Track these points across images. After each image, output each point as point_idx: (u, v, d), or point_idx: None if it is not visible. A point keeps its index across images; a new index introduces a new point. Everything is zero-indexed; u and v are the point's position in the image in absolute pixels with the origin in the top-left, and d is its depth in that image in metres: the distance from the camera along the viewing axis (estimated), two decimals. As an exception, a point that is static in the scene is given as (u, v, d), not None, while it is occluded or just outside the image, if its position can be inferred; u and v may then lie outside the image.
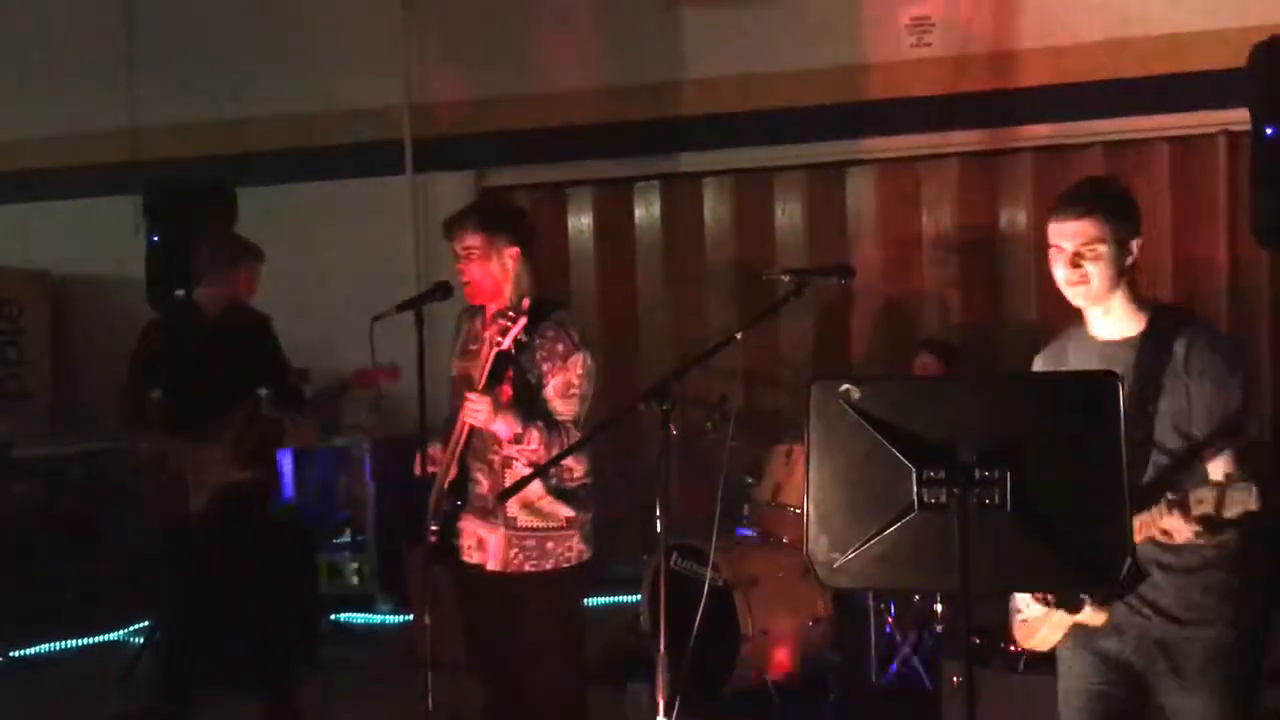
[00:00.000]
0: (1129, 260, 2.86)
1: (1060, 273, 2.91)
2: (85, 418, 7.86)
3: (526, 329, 3.51)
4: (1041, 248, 7.17)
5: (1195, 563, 2.78)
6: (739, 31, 6.99)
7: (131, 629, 6.40)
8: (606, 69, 7.22)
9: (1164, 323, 2.86)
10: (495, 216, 3.69)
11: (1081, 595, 2.79)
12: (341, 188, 7.57)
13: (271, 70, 7.67)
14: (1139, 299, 2.90)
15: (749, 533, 5.53)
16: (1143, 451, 2.76)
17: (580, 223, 7.57)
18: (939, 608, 5.06)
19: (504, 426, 3.48)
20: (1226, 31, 5.89)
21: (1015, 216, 6.80)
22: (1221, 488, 2.61)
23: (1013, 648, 4.36)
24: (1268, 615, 2.89)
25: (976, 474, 2.28)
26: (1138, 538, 2.65)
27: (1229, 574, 2.80)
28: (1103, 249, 2.83)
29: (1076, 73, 6.43)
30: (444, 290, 3.80)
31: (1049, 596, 2.87)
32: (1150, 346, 2.83)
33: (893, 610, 5.15)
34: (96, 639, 6.44)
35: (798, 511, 5.02)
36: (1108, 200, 2.87)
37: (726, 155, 7.18)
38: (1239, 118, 5.22)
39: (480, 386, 3.48)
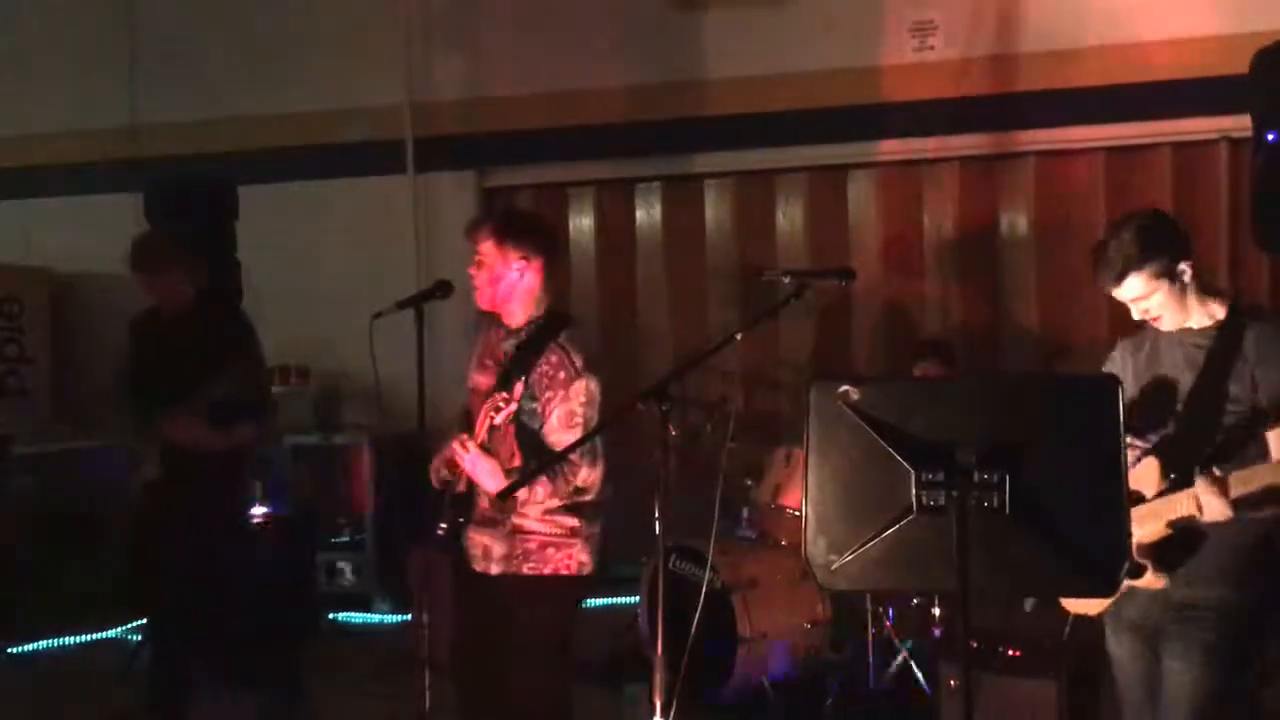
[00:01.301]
0: (1187, 279, 3.00)
1: (1135, 315, 3.08)
2: (85, 415, 7.86)
3: (531, 352, 3.51)
4: (1041, 250, 7.18)
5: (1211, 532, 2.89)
6: (742, 34, 6.99)
7: (130, 625, 6.39)
8: (608, 70, 7.22)
9: (1239, 315, 3.02)
10: (510, 227, 3.64)
11: (1142, 561, 2.93)
12: (343, 186, 7.57)
13: (273, 68, 7.67)
14: (1213, 293, 3.06)
15: (748, 534, 5.53)
16: (1207, 428, 2.91)
17: (581, 223, 7.57)
18: (937, 610, 5.06)
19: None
20: (1228, 37, 5.90)
21: (1016, 220, 6.80)
22: (1267, 467, 2.74)
23: (1011, 650, 4.40)
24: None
25: (975, 476, 2.28)
26: (1188, 510, 2.83)
27: (1244, 546, 2.91)
28: (1156, 294, 2.99)
29: (1078, 78, 6.44)
30: (444, 288, 3.79)
31: None
32: (1225, 336, 2.99)
33: (891, 613, 5.15)
34: (96, 636, 6.44)
35: (797, 514, 5.02)
36: (1136, 248, 2.98)
37: (728, 157, 7.18)
38: (1240, 124, 5.22)
39: (480, 439, 3.44)
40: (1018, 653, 4.41)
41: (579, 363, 3.52)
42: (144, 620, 5.43)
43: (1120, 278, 2.98)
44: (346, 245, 7.46)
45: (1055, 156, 6.69)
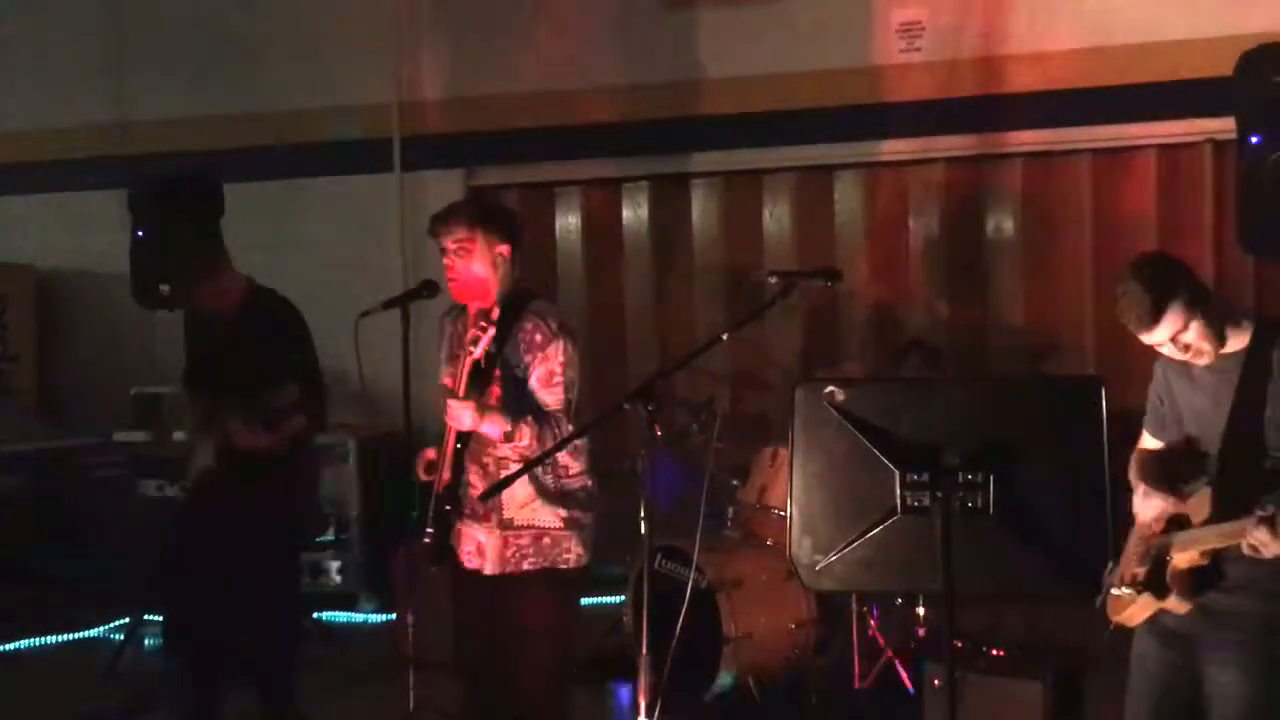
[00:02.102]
0: (1211, 308, 2.96)
1: (1176, 356, 3.02)
2: (70, 413, 7.83)
3: (506, 323, 3.51)
4: (1028, 251, 7.21)
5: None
6: (729, 34, 6.99)
7: (114, 625, 6.37)
8: (596, 70, 7.21)
9: (1265, 336, 2.99)
10: (487, 212, 3.68)
11: (1169, 584, 2.92)
12: (329, 185, 7.55)
13: (260, 66, 7.65)
14: (1236, 319, 3.02)
15: (733, 535, 5.53)
16: (1253, 457, 2.87)
17: (568, 223, 7.56)
18: (921, 610, 5.07)
19: (492, 427, 3.47)
20: (1213, 40, 5.92)
21: (1002, 222, 6.82)
22: None
23: (996, 650, 4.42)
24: None
25: (960, 477, 2.29)
26: (1222, 543, 2.81)
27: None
28: (1194, 325, 2.93)
29: (1065, 79, 6.45)
30: (430, 288, 3.80)
31: (1138, 579, 2.98)
32: (1254, 360, 2.96)
33: (875, 613, 5.16)
34: (80, 635, 6.41)
35: (782, 514, 5.02)
36: (1160, 290, 2.92)
37: (715, 157, 7.18)
38: (1224, 126, 5.25)
39: (461, 393, 3.46)
40: (1002, 653, 4.43)
41: (554, 325, 3.58)
42: (164, 614, 5.51)
43: (1157, 315, 2.90)
44: (333, 244, 7.43)
45: (1041, 158, 6.71)
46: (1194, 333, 2.94)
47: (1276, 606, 2.91)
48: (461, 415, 3.45)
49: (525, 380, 3.55)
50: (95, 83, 7.94)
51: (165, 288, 6.16)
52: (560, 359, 3.55)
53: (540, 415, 3.50)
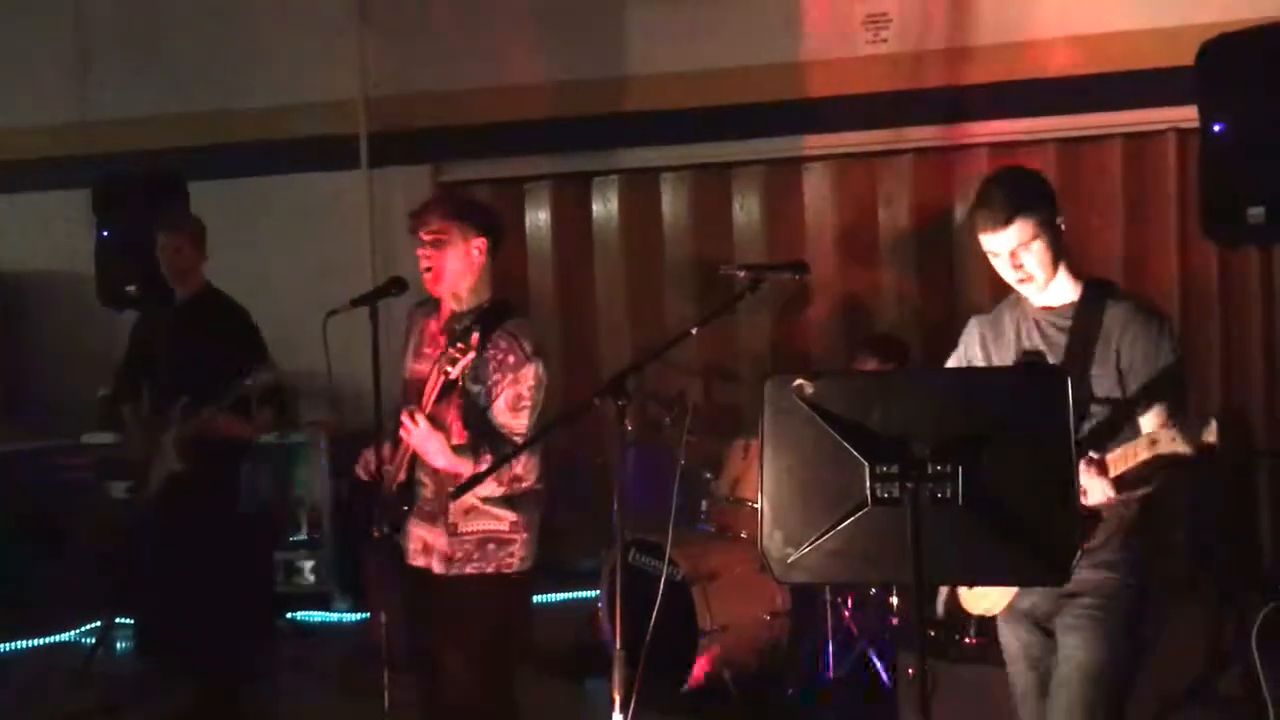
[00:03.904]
0: (1059, 240, 2.98)
1: (1007, 275, 3.03)
2: (37, 415, 7.76)
3: (480, 335, 3.49)
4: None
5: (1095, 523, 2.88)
6: (697, 26, 6.99)
7: (85, 629, 6.32)
8: (564, 63, 7.20)
9: (1096, 294, 3.01)
10: (465, 205, 3.70)
11: None
12: (296, 182, 7.50)
13: (225, 63, 7.59)
14: (1074, 271, 3.04)
15: (707, 528, 5.54)
16: (1078, 413, 2.83)
17: (538, 218, 7.54)
18: (895, 600, 5.09)
19: (458, 468, 3.43)
20: (1175, 29, 5.96)
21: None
22: (1143, 440, 2.72)
23: (967, 639, 4.44)
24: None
25: (929, 468, 2.30)
26: None
27: (1127, 535, 2.92)
28: (1036, 243, 2.95)
29: (1030, 70, 6.49)
30: (399, 285, 3.78)
31: None
32: (1084, 315, 2.97)
33: (849, 603, 5.18)
34: (50, 639, 6.36)
35: (756, 506, 5.03)
36: (1023, 196, 2.97)
37: (684, 151, 7.18)
38: (1188, 115, 5.29)
39: (427, 410, 3.43)
40: (975, 640, 4.45)
41: (528, 348, 3.54)
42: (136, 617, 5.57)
43: (1009, 220, 2.91)
44: (300, 241, 7.39)
45: (1008, 148, 6.74)
46: (1036, 252, 2.94)
47: (1114, 575, 2.92)
48: (433, 455, 3.42)
49: (487, 400, 3.50)
50: (58, 81, 7.85)
51: (131, 288, 6.10)
52: (530, 383, 3.51)
53: (500, 453, 3.42)
